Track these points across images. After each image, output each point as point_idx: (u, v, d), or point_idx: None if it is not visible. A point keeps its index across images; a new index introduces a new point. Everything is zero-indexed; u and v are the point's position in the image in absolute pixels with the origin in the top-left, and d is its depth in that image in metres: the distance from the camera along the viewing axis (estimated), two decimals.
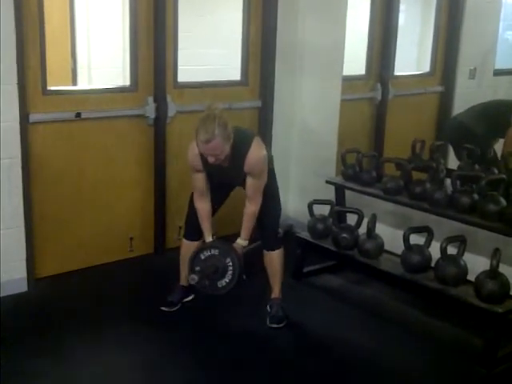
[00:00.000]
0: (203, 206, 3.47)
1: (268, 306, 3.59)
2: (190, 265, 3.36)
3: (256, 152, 3.27)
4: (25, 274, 3.78)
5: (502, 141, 4.51)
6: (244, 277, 3.55)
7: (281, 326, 3.49)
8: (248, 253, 3.56)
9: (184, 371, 3.09)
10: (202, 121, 3.11)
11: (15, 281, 3.73)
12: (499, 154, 4.36)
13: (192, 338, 3.38)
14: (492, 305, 3.08)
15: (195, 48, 4.94)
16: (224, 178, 3.41)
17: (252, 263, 3.62)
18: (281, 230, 3.65)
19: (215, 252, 3.35)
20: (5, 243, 3.65)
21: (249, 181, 3.34)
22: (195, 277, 3.25)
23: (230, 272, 3.32)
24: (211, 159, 3.16)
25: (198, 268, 3.31)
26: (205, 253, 3.36)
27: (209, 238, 3.45)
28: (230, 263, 3.32)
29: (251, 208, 3.40)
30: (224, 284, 3.34)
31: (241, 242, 3.44)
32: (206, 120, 3.11)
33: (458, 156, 4.41)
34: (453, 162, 4.61)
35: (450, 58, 5.72)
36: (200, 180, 3.41)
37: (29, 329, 3.39)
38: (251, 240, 3.51)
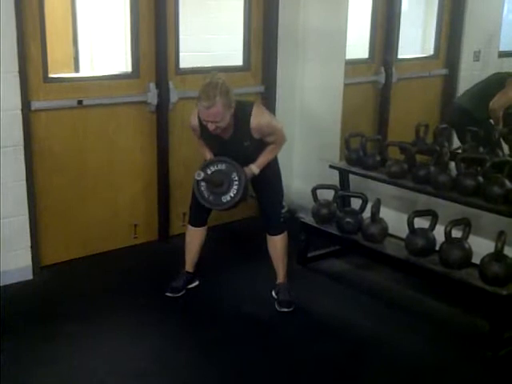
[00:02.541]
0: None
1: (274, 292, 3.59)
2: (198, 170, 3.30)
3: (258, 115, 3.26)
4: (30, 262, 3.79)
5: None
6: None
7: (290, 309, 3.48)
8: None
9: (188, 356, 3.10)
10: (204, 87, 3.12)
11: (20, 269, 3.74)
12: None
13: (196, 324, 3.39)
14: (497, 287, 3.07)
15: (197, 34, 4.91)
16: (227, 153, 3.38)
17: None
18: (285, 206, 3.60)
19: (222, 167, 3.30)
20: (9, 231, 3.66)
21: (268, 140, 3.32)
22: (201, 172, 3.19)
23: (235, 187, 3.26)
24: (211, 126, 3.15)
25: (203, 182, 3.24)
26: (211, 168, 3.31)
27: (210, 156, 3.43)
28: (236, 178, 3.26)
29: (274, 145, 3.37)
30: (228, 199, 3.28)
31: (253, 167, 3.37)
32: (207, 86, 3.11)
33: (461, 140, 4.39)
34: (457, 145, 4.59)
35: (454, 41, 5.68)
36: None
37: (34, 316, 3.40)
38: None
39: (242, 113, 3.24)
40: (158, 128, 4.25)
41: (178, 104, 4.27)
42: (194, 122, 3.34)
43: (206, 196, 3.31)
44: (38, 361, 3.00)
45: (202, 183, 3.30)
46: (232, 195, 3.27)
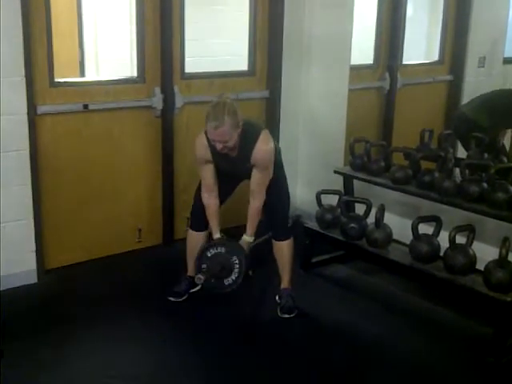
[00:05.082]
0: (211, 202, 3.47)
1: (277, 297, 3.59)
2: (196, 263, 3.37)
3: (263, 145, 3.27)
4: (34, 266, 3.80)
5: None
6: (251, 273, 3.56)
7: (292, 316, 3.48)
8: (256, 246, 3.58)
9: (190, 361, 3.10)
10: (212, 108, 3.15)
11: (25, 272, 3.75)
12: (508, 146, 4.32)
13: (198, 329, 3.39)
14: (501, 294, 3.07)
15: (203, 38, 4.93)
16: (231, 169, 3.40)
17: (261, 256, 3.65)
18: (291, 217, 3.64)
19: (221, 250, 3.36)
20: (14, 235, 3.67)
21: (254, 175, 3.34)
22: (201, 277, 3.27)
23: (236, 270, 3.35)
24: (219, 146, 3.16)
25: (204, 266, 3.32)
26: (211, 250, 3.37)
27: (216, 235, 3.45)
28: (237, 261, 3.34)
29: (255, 204, 3.40)
30: (230, 282, 3.37)
31: (247, 238, 3.45)
32: (216, 107, 3.14)
33: (465, 147, 4.38)
34: (461, 151, 4.58)
35: (459, 47, 5.68)
36: (208, 172, 3.41)
37: (38, 319, 3.41)
38: (259, 233, 3.51)
39: (249, 135, 3.25)
40: (162, 133, 4.26)
41: (184, 109, 4.27)
42: (202, 143, 3.31)
43: (208, 280, 3.36)
44: (40, 364, 3.00)
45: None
46: (234, 278, 3.37)
